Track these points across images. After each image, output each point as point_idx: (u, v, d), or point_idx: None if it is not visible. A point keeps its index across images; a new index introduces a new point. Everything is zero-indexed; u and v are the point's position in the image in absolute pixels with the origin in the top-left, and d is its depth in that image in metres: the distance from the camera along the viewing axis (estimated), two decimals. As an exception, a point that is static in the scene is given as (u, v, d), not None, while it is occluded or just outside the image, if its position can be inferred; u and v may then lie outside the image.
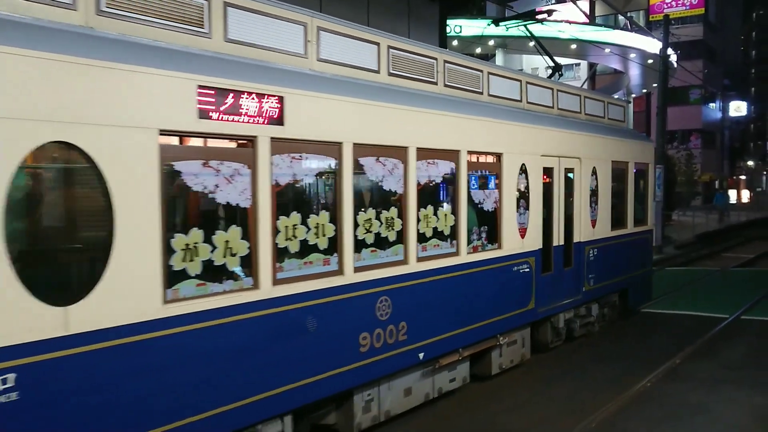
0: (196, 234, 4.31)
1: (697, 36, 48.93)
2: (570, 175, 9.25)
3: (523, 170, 8.05)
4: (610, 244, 10.35)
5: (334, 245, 5.39)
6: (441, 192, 6.84)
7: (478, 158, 7.34)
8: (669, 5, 49.00)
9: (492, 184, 7.57)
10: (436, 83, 6.88)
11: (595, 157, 9.80)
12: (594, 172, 9.81)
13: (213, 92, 4.36)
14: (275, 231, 4.85)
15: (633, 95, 39.56)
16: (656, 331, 10.76)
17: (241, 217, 4.65)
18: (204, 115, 4.31)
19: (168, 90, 4.10)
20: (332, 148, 5.35)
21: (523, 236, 8.05)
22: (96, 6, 3.96)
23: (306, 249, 5.16)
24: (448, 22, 20.54)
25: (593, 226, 9.81)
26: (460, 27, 21.98)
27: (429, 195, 6.57)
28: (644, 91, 40.95)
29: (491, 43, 23.67)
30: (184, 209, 4.49)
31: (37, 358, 3.44)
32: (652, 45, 28.81)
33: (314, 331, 5.16)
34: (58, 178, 3.82)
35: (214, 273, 4.42)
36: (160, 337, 4.02)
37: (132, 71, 3.89)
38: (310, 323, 5.13)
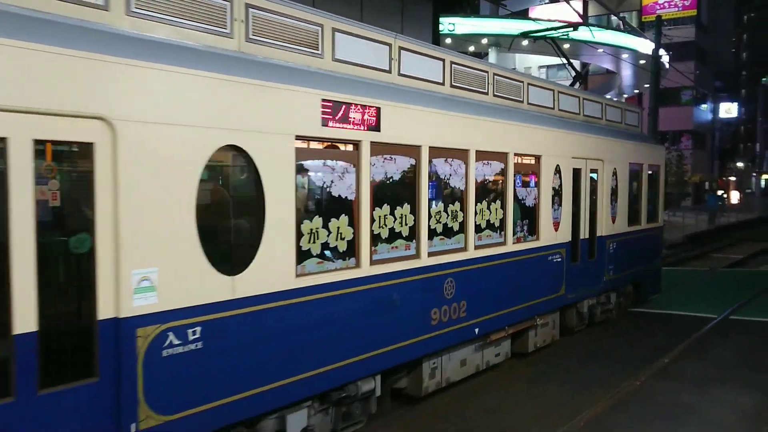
0: (318, 221, 5.38)
1: (689, 37, 49.15)
2: (594, 175, 10.18)
3: (557, 171, 9.05)
4: (627, 239, 11.36)
5: (413, 233, 6.42)
6: (493, 189, 7.79)
7: (521, 159, 8.30)
8: (662, 6, 49.18)
9: (532, 183, 8.56)
10: (487, 93, 7.84)
11: (615, 160, 10.79)
12: (614, 173, 10.80)
13: (331, 104, 5.35)
14: (372, 220, 5.89)
15: (625, 96, 39.72)
16: (646, 330, 10.81)
17: (348, 208, 5.67)
18: (325, 123, 5.31)
19: (302, 103, 5.12)
20: (413, 151, 6.37)
21: (556, 229, 9.08)
22: (246, 34, 4.97)
23: (392, 236, 6.20)
24: (441, 19, 20.57)
25: (613, 222, 10.79)
26: (453, 24, 21.96)
27: (484, 191, 7.56)
28: (636, 91, 41.12)
29: (484, 41, 23.66)
30: (310, 200, 5.49)
31: (214, 315, 4.48)
32: (644, 46, 28.93)
33: (398, 305, 6.18)
34: (229, 174, 4.91)
35: (326, 254, 5.48)
36: (293, 303, 5.07)
37: (277, 88, 4.90)
38: (395, 298, 6.15)
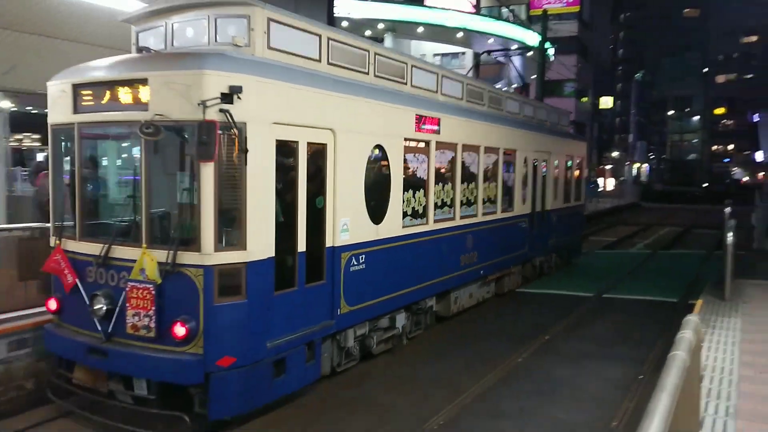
0: (409, 194, 8.29)
1: (572, 32, 51.86)
2: (544, 163, 13.59)
3: (525, 161, 12.40)
4: (563, 213, 15.02)
5: (452, 203, 9.53)
6: (491, 174, 10.99)
7: (505, 152, 11.45)
8: (548, 1, 51.47)
9: (511, 169, 11.86)
10: (484, 105, 11.02)
11: (557, 152, 14.37)
12: (556, 163, 14.35)
13: (418, 117, 8.35)
14: (434, 194, 8.90)
15: (514, 86, 41.37)
16: (529, 310, 11.41)
17: (423, 185, 8.65)
18: (417, 129, 8.34)
19: (408, 116, 8.17)
20: (453, 147, 9.48)
21: (524, 203, 12.39)
22: (375, 70, 7.83)
23: (442, 204, 9.27)
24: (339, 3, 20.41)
25: (554, 200, 14.27)
26: (350, 8, 21.84)
27: (486, 175, 10.75)
28: (524, 82, 42.92)
29: (381, 26, 23.73)
30: (407, 180, 8.23)
31: (369, 249, 7.34)
32: (532, 38, 30.21)
33: (445, 251, 9.26)
34: (376, 164, 7.60)
35: (413, 214, 8.44)
36: (401, 245, 8.05)
37: (396, 107, 7.92)
38: (444, 245, 9.24)
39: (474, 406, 6.69)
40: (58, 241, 6.17)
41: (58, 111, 6.21)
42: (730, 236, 9.82)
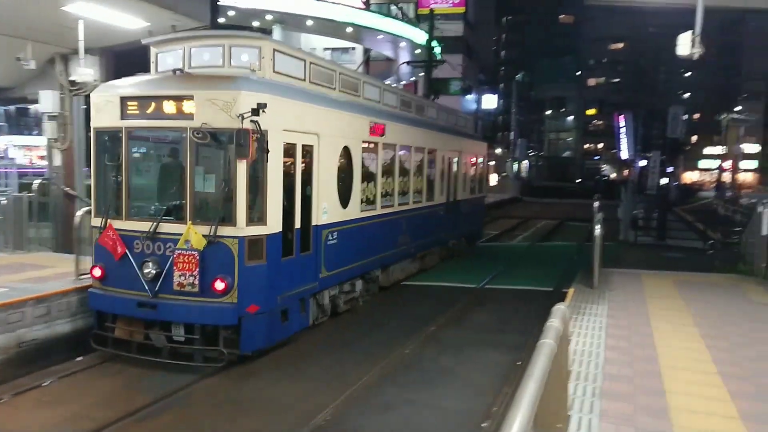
0: (365, 185, 10.35)
1: (458, 32, 53.59)
2: (456, 160, 15.87)
3: (443, 158, 14.79)
4: (470, 203, 17.46)
5: (392, 192, 11.67)
6: (419, 168, 13.28)
7: (429, 151, 13.76)
8: (435, 1, 52.73)
9: (433, 166, 14.23)
10: (413, 112, 13.30)
11: (465, 151, 16.76)
12: (464, 160, 16.66)
13: (369, 123, 10.37)
14: (381, 185, 10.92)
15: (403, 82, 42.09)
16: (416, 302, 11.67)
17: (373, 178, 10.75)
18: (370, 133, 10.41)
19: (364, 122, 10.24)
20: (393, 147, 11.65)
21: (441, 194, 14.82)
22: (339, 86, 9.74)
23: (386, 194, 11.33)
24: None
25: (463, 191, 16.65)
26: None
27: (417, 170, 13.11)
28: (412, 79, 43.79)
29: (269, 17, 23.21)
30: (363, 174, 10.26)
31: (339, 228, 9.36)
32: (420, 36, 30.85)
33: (388, 232, 11.41)
34: (344, 160, 9.61)
35: (367, 201, 10.54)
36: (360, 225, 10.09)
37: (356, 116, 9.98)
38: (387, 227, 11.37)
39: (360, 399, 6.74)
40: (106, 222, 7.69)
41: (104, 117, 7.79)
42: (598, 228, 10.57)
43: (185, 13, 10.64)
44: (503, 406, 6.48)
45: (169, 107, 7.36)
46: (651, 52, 64.89)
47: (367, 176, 10.49)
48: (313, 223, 8.67)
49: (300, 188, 8.30)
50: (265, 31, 26.50)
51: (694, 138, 79.46)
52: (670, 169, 55.81)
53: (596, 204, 12.63)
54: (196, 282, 7.13)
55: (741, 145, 63.47)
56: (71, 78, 12.10)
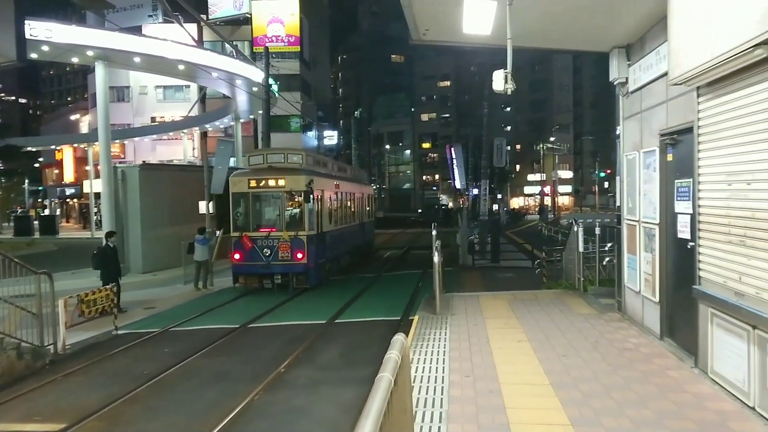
0: (332, 212, 20.38)
1: (294, 70, 54.18)
2: (360, 196, 26.01)
3: (360, 195, 26.19)
4: (368, 224, 27.97)
5: (340, 217, 21.62)
6: (349, 202, 23.66)
7: (349, 192, 23.75)
8: (270, 40, 52.94)
9: (354, 200, 24.68)
10: (346, 172, 25.34)
11: (363, 191, 26.85)
12: (364, 196, 27.17)
13: (335, 182, 22.42)
14: (335, 213, 20.99)
15: (242, 120, 41.50)
16: (264, 344, 11.29)
17: (334, 209, 20.92)
18: (335, 187, 22.19)
19: (333, 182, 22.09)
20: (338, 192, 21.91)
21: (356, 218, 24.74)
22: (324, 166, 21.87)
23: (337, 218, 21.15)
24: (33, 24, 18.29)
25: (364, 215, 26.65)
26: (51, 30, 19.64)
27: (348, 203, 23.48)
28: (251, 117, 43.38)
29: (90, 53, 21.75)
30: (330, 207, 20.33)
31: (329, 233, 19.88)
32: (256, 74, 30.69)
33: (344, 239, 22.10)
34: (326, 200, 20.11)
35: (332, 221, 20.24)
36: (332, 232, 20.17)
37: (331, 180, 21.67)
38: (343, 236, 21.91)
39: (207, 456, 6.30)
40: (240, 234, 17.47)
41: (238, 187, 17.66)
42: (436, 257, 11.01)
43: (-14, 49, 9.57)
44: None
45: (272, 182, 17.42)
46: (474, 89, 70.31)
47: (332, 208, 19.94)
48: (323, 230, 18.53)
49: (317, 212, 17.76)
50: (89, 69, 24.51)
51: (518, 166, 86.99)
52: (499, 196, 60.17)
53: (434, 233, 13.17)
54: (288, 255, 16.97)
55: (558, 172, 70.34)
56: None
